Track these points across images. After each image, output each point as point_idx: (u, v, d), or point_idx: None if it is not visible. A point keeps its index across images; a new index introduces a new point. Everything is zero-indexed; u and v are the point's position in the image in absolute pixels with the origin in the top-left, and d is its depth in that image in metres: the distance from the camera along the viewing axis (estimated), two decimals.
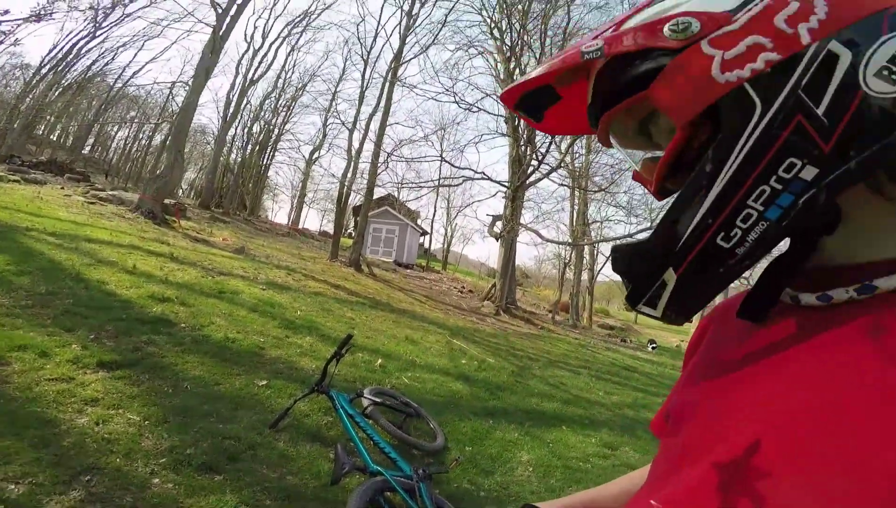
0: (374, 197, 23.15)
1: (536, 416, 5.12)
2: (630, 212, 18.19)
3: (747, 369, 0.36)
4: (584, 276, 22.49)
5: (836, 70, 0.29)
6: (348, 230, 29.57)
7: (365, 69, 17.44)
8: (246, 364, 4.12)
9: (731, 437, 0.33)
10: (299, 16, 20.06)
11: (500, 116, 16.59)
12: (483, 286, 19.77)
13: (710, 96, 0.31)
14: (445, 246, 35.59)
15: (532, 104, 0.46)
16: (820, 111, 0.29)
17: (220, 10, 14.09)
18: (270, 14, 20.33)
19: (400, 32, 15.72)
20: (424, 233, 32.74)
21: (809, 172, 0.30)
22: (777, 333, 0.36)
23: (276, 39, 20.83)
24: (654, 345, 16.84)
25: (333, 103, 20.26)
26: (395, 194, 28.73)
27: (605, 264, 24.87)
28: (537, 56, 14.16)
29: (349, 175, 17.16)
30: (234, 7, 14.44)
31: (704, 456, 0.34)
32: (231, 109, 21.13)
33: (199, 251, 9.57)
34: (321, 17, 19.26)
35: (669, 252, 0.34)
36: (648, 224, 16.45)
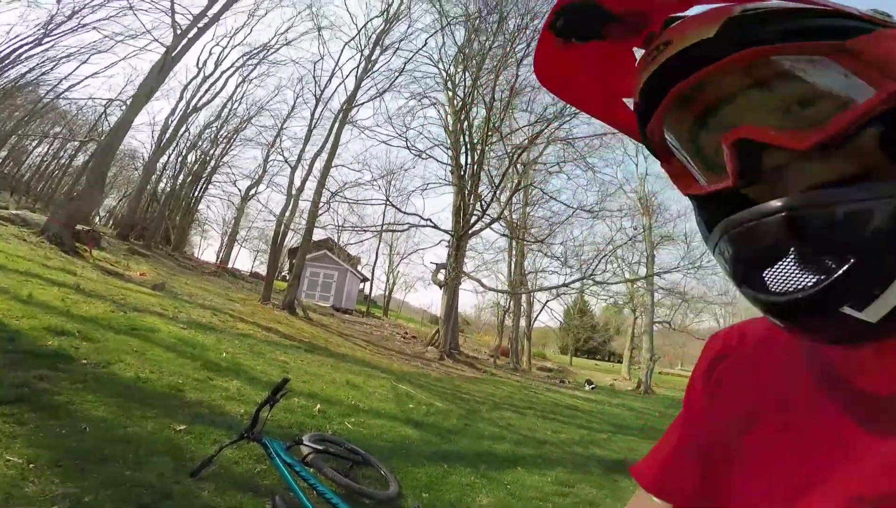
0: (314, 240, 22.45)
1: (490, 458, 4.84)
2: (564, 263, 18.91)
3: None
4: (522, 322, 23.04)
5: None
6: (282, 273, 28.13)
7: (316, 108, 17.37)
8: (160, 407, 3.52)
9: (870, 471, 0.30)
10: (258, 48, 19.60)
11: (447, 165, 17.04)
12: (426, 332, 19.40)
13: None
14: (387, 292, 34.92)
15: (581, 22, 0.39)
16: None
17: (178, 31, 13.56)
18: (229, 43, 19.80)
19: (356, 75, 16.00)
20: (365, 279, 32.04)
21: None
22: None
23: (229, 68, 20.10)
24: (592, 385, 17.21)
25: (278, 140, 19.64)
26: (336, 238, 28.05)
27: (541, 310, 25.71)
28: (487, 109, 14.93)
29: (288, 214, 16.51)
30: (195, 30, 14.00)
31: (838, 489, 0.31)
32: (167, 135, 19.80)
33: (110, 285, 8.47)
34: (280, 51, 18.99)
35: None
36: (580, 275, 17.13)
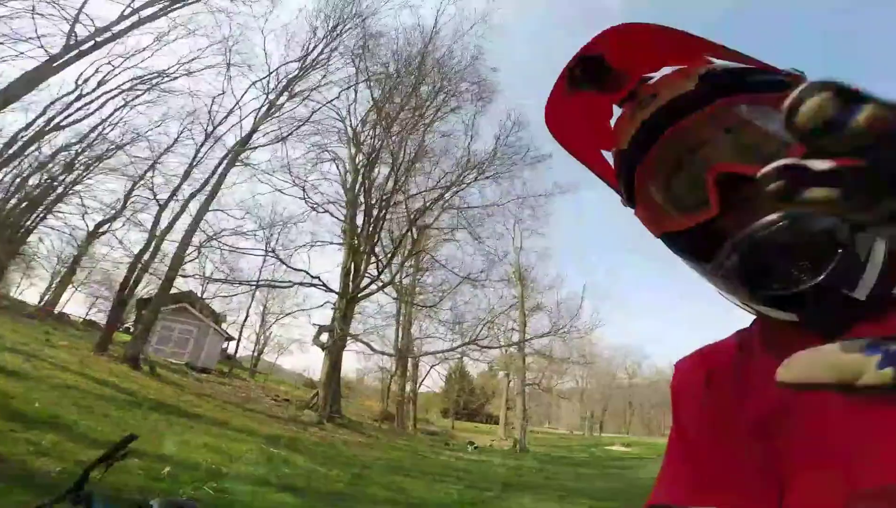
0: (174, 292, 19.16)
1: None
2: (453, 328, 18.92)
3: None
4: (408, 387, 22.29)
5: None
6: (125, 324, 23.47)
7: (203, 144, 15.52)
8: None
9: None
10: (154, 74, 16.63)
11: (342, 221, 16.21)
12: (301, 396, 17.44)
13: None
14: (256, 353, 31.00)
15: (591, 72, 0.49)
16: None
17: (73, 41, 11.28)
18: (122, 64, 16.26)
19: (256, 117, 14.92)
20: (229, 338, 28.20)
21: None
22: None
23: (114, 90, 16.50)
24: (475, 446, 17.13)
25: (150, 173, 16.46)
26: (201, 291, 24.44)
27: (427, 374, 25.26)
28: (393, 169, 14.89)
29: (147, 257, 14.00)
30: (91, 43, 11.81)
31: None
32: (12, 151, 15.49)
33: None
34: (177, 81, 16.07)
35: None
36: (465, 339, 17.21)
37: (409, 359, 21.46)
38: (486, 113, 19.42)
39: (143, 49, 15.78)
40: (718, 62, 0.45)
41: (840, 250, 0.35)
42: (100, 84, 15.65)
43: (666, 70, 0.48)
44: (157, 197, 15.31)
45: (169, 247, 14.61)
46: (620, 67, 0.48)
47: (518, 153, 15.81)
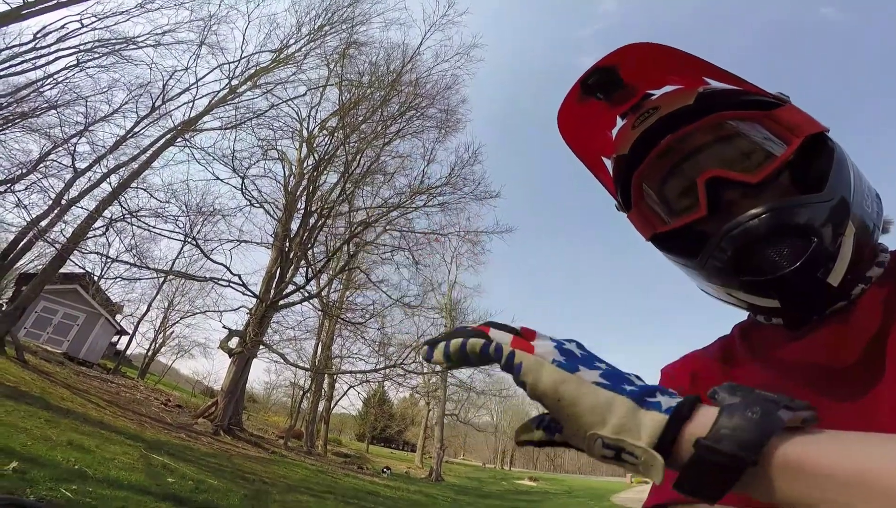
0: (67, 271, 16.68)
1: None
2: (378, 350, 18.12)
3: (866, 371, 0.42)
4: (321, 406, 20.91)
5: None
6: None
7: (145, 118, 13.79)
8: None
9: None
10: (121, 39, 14.55)
11: (276, 221, 15.09)
12: (197, 404, 15.65)
13: (819, 128, 0.47)
14: (150, 353, 27.55)
15: (603, 83, 0.54)
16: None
17: None
18: (94, 23, 13.87)
19: (212, 100, 13.66)
20: (122, 332, 24.93)
21: (867, 182, 0.48)
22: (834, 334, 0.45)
23: (73, 48, 14.10)
24: (388, 471, 16.69)
25: (77, 139, 14.07)
26: (101, 272, 21.50)
27: (344, 394, 23.90)
28: (343, 176, 14.25)
29: (45, 223, 11.99)
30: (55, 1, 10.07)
31: None
32: None
33: None
34: (142, 50, 14.05)
35: (845, 205, 0.43)
36: (390, 362, 16.56)
37: (326, 377, 20.24)
38: (446, 145, 19.50)
39: (122, 13, 14.03)
40: (715, 83, 0.52)
41: (815, 240, 0.41)
42: (59, 40, 13.58)
43: (667, 88, 0.54)
44: (76, 164, 13.29)
45: (74, 220, 12.67)
46: (630, 81, 0.53)
47: (469, 186, 15.84)
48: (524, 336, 0.35)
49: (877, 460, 0.25)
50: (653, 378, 0.56)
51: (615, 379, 0.32)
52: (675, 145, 0.50)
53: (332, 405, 22.67)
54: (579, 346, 0.35)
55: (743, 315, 0.55)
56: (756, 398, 0.28)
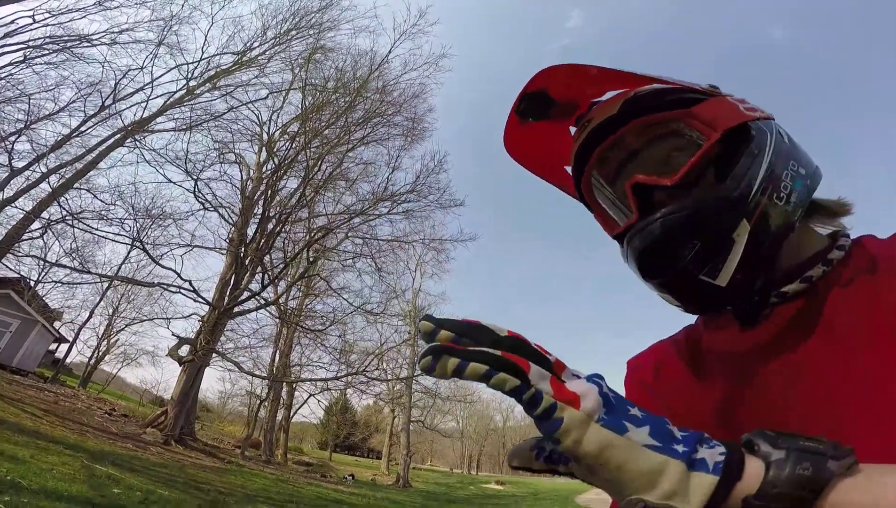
0: None
1: None
2: (339, 358, 17.62)
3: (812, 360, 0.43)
4: (280, 414, 20.18)
5: (783, 131, 0.49)
6: None
7: (92, 116, 12.75)
8: None
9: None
10: (75, 36, 13.25)
11: (231, 225, 14.35)
12: (144, 413, 14.71)
13: (741, 119, 0.47)
14: (93, 360, 25.63)
15: (536, 106, 0.56)
16: (789, 144, 0.48)
17: None
18: (47, 19, 12.52)
19: (167, 101, 12.87)
20: (61, 339, 23.10)
21: (801, 170, 0.47)
22: (784, 323, 0.46)
23: (20, 43, 12.67)
24: (351, 477, 16.64)
25: (15, 137, 12.61)
26: (38, 276, 19.77)
27: (304, 403, 23.14)
28: (301, 184, 13.79)
29: None
30: None
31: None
32: None
33: None
34: (95, 49, 12.82)
35: (743, 203, 0.43)
36: (348, 369, 16.16)
37: (285, 385, 19.48)
38: (412, 153, 19.34)
39: (78, 10, 12.99)
40: (643, 88, 0.51)
41: (696, 243, 0.42)
42: (6, 35, 12.39)
43: (610, 93, 0.54)
44: (13, 163, 12.18)
45: (8, 222, 11.62)
46: (565, 98, 0.55)
47: (434, 194, 15.77)
48: (554, 366, 0.31)
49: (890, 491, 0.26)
50: (620, 371, 0.60)
51: (663, 437, 0.29)
52: (607, 154, 0.52)
53: (292, 414, 21.92)
54: (608, 385, 0.32)
55: None
56: (804, 452, 0.28)
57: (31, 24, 12.60)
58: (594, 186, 0.55)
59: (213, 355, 12.81)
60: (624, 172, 0.51)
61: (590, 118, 0.53)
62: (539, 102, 0.55)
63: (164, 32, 13.95)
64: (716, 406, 0.47)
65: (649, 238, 0.44)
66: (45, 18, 12.75)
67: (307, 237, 14.10)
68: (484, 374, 0.28)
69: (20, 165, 11.97)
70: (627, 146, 0.51)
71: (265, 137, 15.19)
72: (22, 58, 12.84)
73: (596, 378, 0.31)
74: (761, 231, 0.43)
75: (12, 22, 12.35)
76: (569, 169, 0.59)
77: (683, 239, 0.43)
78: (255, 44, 15.06)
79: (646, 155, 0.50)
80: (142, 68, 13.61)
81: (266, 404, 19.59)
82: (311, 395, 22.33)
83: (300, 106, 14.97)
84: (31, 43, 12.91)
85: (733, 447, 0.29)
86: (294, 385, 20.59)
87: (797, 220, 0.45)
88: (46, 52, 13.06)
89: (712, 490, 0.27)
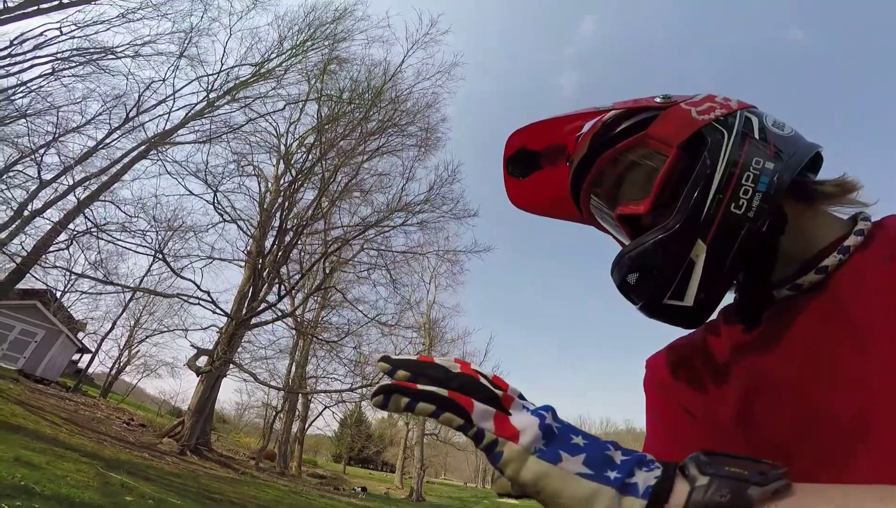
0: (27, 288, 15.70)
1: None
2: (353, 369, 17.64)
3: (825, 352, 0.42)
4: (295, 426, 20.22)
5: (753, 121, 0.47)
6: None
7: (116, 129, 13.21)
8: None
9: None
10: (100, 49, 13.85)
11: (249, 236, 14.32)
12: (162, 423, 14.85)
13: (693, 127, 0.46)
14: (114, 371, 26.13)
15: (521, 163, 0.60)
16: (756, 136, 0.46)
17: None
18: (73, 31, 13.18)
19: (188, 113, 13.19)
20: (84, 350, 23.65)
21: (769, 164, 0.44)
22: (789, 322, 0.45)
23: (48, 56, 13.36)
24: (362, 490, 16.52)
25: (44, 150, 13.12)
26: (63, 288, 20.34)
27: (319, 415, 23.11)
28: (317, 196, 13.93)
29: (5, 234, 11.27)
30: (55, 2, 9.62)
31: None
32: None
33: None
34: (119, 61, 13.45)
35: (695, 223, 0.43)
36: (363, 381, 16.14)
37: (300, 397, 19.49)
38: (425, 163, 19.42)
39: (103, 22, 13.58)
40: (608, 115, 0.52)
41: (655, 271, 0.44)
42: (36, 48, 13.02)
43: (588, 124, 0.55)
44: (42, 175, 12.62)
45: (36, 233, 11.99)
46: (545, 144, 0.57)
47: (448, 205, 15.72)
48: (502, 401, 0.33)
49: None
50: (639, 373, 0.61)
51: (597, 464, 0.31)
52: (595, 190, 0.54)
53: (307, 426, 21.91)
54: (554, 416, 0.33)
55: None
56: (726, 479, 0.28)
57: (59, 36, 13.12)
58: (598, 217, 0.58)
59: (230, 365, 12.94)
60: (613, 203, 0.53)
61: (572, 159, 0.55)
62: (524, 159, 0.58)
63: (185, 44, 14.38)
64: (733, 405, 0.47)
65: (619, 272, 0.46)
66: (72, 31, 13.26)
67: (323, 249, 14.20)
68: (431, 413, 0.31)
69: (48, 177, 12.38)
70: (607, 181, 0.53)
71: (283, 148, 15.44)
72: (51, 70, 13.35)
73: (542, 411, 0.33)
74: (720, 246, 0.42)
75: (41, 34, 12.88)
76: None
77: (643, 270, 0.44)
78: (273, 55, 15.34)
79: (625, 185, 0.52)
80: (164, 80, 14.00)
81: (281, 416, 19.65)
82: (326, 407, 22.34)
83: (316, 117, 15.26)
84: (58, 55, 13.42)
85: (669, 470, 0.30)
86: (309, 397, 20.67)
87: (763, 223, 0.43)
88: (73, 63, 13.55)
89: None
